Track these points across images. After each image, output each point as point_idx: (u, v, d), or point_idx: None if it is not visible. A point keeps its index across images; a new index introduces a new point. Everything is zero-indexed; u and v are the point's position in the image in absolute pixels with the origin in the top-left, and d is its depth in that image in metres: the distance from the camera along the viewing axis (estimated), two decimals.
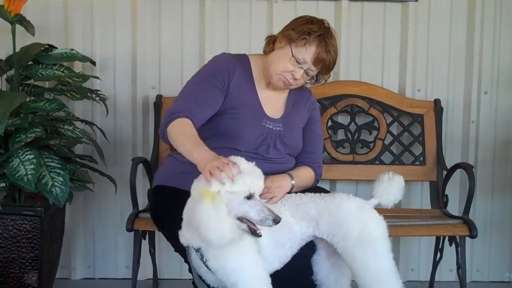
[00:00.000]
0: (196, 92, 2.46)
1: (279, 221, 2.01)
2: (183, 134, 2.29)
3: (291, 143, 2.58)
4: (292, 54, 2.45)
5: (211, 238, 1.98)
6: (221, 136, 2.45)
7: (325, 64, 2.47)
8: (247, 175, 2.03)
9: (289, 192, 2.44)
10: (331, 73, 2.59)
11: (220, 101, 2.49)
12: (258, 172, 2.08)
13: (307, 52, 2.44)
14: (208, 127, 2.44)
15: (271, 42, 2.57)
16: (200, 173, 2.10)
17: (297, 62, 2.46)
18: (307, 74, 2.50)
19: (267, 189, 2.33)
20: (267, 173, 2.42)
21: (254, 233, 2.03)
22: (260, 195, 2.30)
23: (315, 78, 2.56)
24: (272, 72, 2.51)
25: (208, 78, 2.50)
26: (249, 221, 2.02)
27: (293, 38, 2.46)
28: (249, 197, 2.02)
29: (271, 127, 2.54)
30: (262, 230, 2.09)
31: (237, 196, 2.01)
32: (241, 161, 2.07)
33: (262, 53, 2.63)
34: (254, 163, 2.09)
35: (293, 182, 2.48)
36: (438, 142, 3.46)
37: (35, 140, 2.85)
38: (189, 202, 2.08)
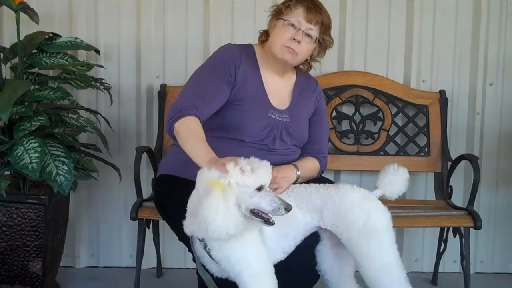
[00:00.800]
0: (203, 85, 2.44)
1: (290, 209, 2.02)
2: (193, 135, 2.26)
3: (297, 134, 2.58)
4: (284, 20, 2.47)
5: (215, 230, 1.97)
6: (227, 127, 2.44)
7: (319, 20, 2.48)
8: (258, 169, 2.03)
9: (294, 183, 2.44)
10: (332, 40, 2.58)
11: (227, 94, 2.47)
12: (268, 165, 2.08)
13: (297, 13, 2.47)
14: (214, 119, 2.43)
15: (264, 33, 2.60)
16: None
17: (293, 26, 2.47)
18: (308, 36, 2.48)
19: (272, 180, 2.32)
20: (272, 164, 2.42)
21: (268, 221, 2.03)
22: None
23: (319, 41, 2.53)
24: (274, 49, 2.51)
25: (215, 70, 2.48)
26: (261, 211, 2.02)
27: (280, 11, 2.52)
28: (259, 188, 2.03)
29: (277, 118, 2.53)
30: None
31: (247, 188, 2.01)
32: (251, 160, 2.07)
33: None
34: (265, 160, 2.09)
35: (299, 173, 2.47)
36: (443, 133, 3.45)
37: (40, 129, 2.85)
38: (194, 193, 2.08)
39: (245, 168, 2.01)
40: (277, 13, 2.53)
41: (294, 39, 2.46)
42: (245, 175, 2.00)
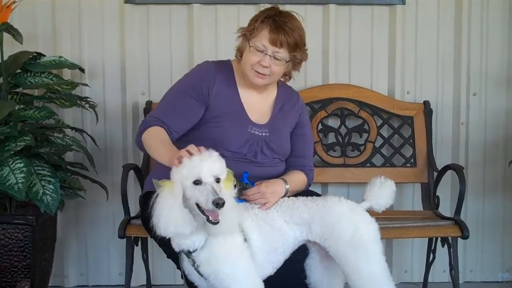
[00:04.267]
0: (173, 103, 2.50)
1: (219, 204, 1.97)
2: (156, 140, 2.36)
3: (278, 147, 2.58)
4: (250, 45, 2.47)
5: (158, 223, 2.04)
6: (207, 144, 2.44)
7: (284, 41, 2.43)
8: (197, 158, 2.04)
9: (282, 197, 2.43)
10: (307, 53, 2.56)
11: (200, 113, 2.50)
12: (214, 155, 2.09)
13: (261, 37, 2.45)
14: (192, 138, 2.45)
15: (239, 50, 2.61)
16: None
17: (258, 50, 2.45)
18: (276, 59, 2.46)
19: (261, 195, 2.33)
20: (257, 177, 2.43)
21: (208, 219, 2.03)
22: (254, 201, 2.32)
23: (290, 60, 2.51)
24: (245, 71, 2.52)
25: (187, 90, 2.51)
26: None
27: (247, 32, 2.51)
28: (199, 182, 2.02)
29: (256, 132, 2.54)
30: (255, 235, 2.10)
31: (187, 181, 2.03)
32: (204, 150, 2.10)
33: None
34: (215, 152, 2.10)
35: (287, 186, 2.48)
36: (429, 144, 3.47)
37: (25, 148, 2.84)
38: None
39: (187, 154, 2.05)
40: (244, 35, 2.52)
41: (260, 63, 2.46)
42: (179, 168, 2.04)
